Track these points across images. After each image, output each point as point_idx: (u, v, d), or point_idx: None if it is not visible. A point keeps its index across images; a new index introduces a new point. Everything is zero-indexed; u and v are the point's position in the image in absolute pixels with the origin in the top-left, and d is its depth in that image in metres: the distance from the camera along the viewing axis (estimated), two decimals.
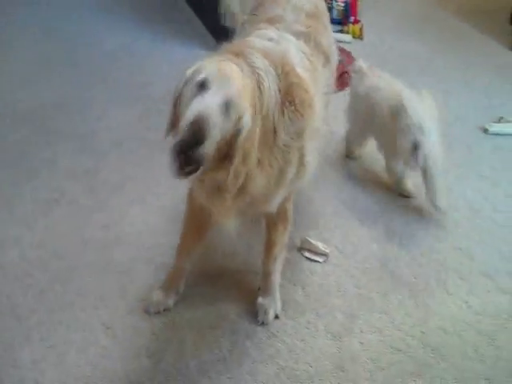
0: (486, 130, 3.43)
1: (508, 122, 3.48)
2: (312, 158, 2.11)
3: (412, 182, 2.94)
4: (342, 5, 4.73)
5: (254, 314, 2.37)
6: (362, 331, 2.32)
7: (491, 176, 3.09)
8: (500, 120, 3.50)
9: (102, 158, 3.21)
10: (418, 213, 2.86)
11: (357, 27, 4.63)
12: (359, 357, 2.23)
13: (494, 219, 2.83)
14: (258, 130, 1.81)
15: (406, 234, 2.75)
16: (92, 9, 4.93)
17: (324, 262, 2.61)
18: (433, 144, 2.72)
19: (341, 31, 4.58)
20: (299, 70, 2.01)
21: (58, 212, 2.84)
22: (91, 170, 3.12)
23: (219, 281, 2.52)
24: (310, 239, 2.66)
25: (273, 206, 2.11)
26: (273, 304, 2.38)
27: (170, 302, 2.41)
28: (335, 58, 2.67)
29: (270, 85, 1.86)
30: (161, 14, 4.81)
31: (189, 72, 1.83)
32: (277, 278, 2.40)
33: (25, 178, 3.04)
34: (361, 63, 3.21)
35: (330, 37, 2.56)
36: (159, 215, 2.84)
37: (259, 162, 1.87)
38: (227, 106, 1.71)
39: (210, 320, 2.36)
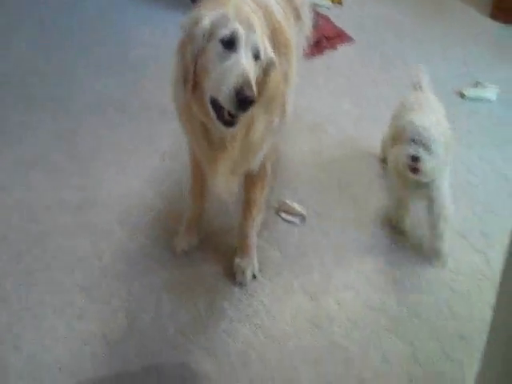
0: (462, 95, 3.44)
1: (484, 87, 3.49)
2: (290, 107, 2.14)
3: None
4: None
5: (232, 274, 2.38)
6: (338, 290, 2.35)
7: (466, 139, 3.11)
8: (476, 85, 3.51)
9: (80, 122, 3.18)
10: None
11: None
12: (335, 315, 2.26)
13: (468, 180, 2.86)
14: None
15: (384, 199, 2.76)
16: None
17: (301, 222, 2.62)
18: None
19: None
20: (278, 17, 2.02)
21: (34, 175, 2.82)
22: (68, 133, 3.09)
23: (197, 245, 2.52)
24: (286, 201, 2.67)
25: (259, 159, 2.13)
26: (250, 264, 2.39)
27: (194, 239, 2.50)
28: (308, 20, 2.68)
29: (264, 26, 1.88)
30: None
31: (205, 24, 1.79)
32: (254, 239, 2.41)
33: (1, 141, 3.00)
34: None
35: None
36: (135, 178, 2.83)
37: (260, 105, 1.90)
38: (257, 56, 1.79)
39: (187, 281, 2.37)
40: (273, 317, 2.25)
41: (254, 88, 1.73)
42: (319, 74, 3.66)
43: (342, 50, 3.94)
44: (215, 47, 1.77)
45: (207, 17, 1.79)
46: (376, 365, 2.10)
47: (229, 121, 1.80)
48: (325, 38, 3.92)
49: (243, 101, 1.70)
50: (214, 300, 2.30)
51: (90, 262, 2.41)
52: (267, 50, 1.85)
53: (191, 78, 1.82)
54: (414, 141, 2.27)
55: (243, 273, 2.37)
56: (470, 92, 3.45)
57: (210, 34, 1.78)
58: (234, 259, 2.40)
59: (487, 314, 2.07)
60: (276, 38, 1.95)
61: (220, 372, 2.07)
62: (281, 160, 2.83)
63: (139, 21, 4.16)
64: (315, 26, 3.87)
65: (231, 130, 1.85)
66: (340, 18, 4.25)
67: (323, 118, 3.27)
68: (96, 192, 2.73)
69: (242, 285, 2.36)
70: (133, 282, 2.35)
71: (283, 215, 2.64)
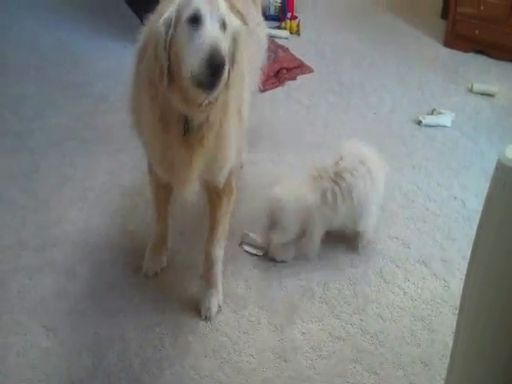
0: (419, 122, 3.53)
1: (440, 113, 3.59)
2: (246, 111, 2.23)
3: None
4: (279, 1, 4.77)
5: (197, 307, 2.39)
6: (303, 321, 2.36)
7: (424, 166, 3.19)
8: (433, 112, 3.60)
9: (39, 158, 3.17)
10: None
11: (294, 23, 4.67)
12: (301, 346, 2.27)
13: (427, 208, 2.92)
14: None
15: None
16: (22, 4, 4.82)
17: (263, 255, 2.64)
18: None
19: (278, 27, 4.63)
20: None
21: None
22: (28, 170, 3.07)
23: (161, 276, 2.53)
24: (249, 233, 2.68)
25: (226, 169, 2.20)
26: (216, 296, 2.39)
27: (163, 258, 2.56)
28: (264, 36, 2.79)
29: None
30: (95, 10, 4.76)
31: (167, 16, 1.83)
32: (219, 268, 2.42)
33: None
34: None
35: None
36: (97, 215, 2.82)
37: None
38: (223, 26, 1.82)
39: (152, 317, 2.36)
40: (239, 350, 2.25)
41: (224, 53, 1.76)
42: (280, 105, 3.72)
43: (302, 79, 4.01)
44: (183, 30, 1.81)
45: (170, 9, 1.85)
46: None
47: (208, 83, 1.79)
48: (285, 69, 3.99)
49: (215, 67, 1.74)
50: (179, 335, 2.30)
51: (53, 301, 2.40)
52: (232, 19, 1.90)
53: (165, 71, 1.84)
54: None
55: (209, 305, 2.37)
56: (426, 119, 3.53)
57: (177, 22, 1.83)
58: (200, 291, 2.41)
59: (449, 338, 2.14)
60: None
61: None
62: (241, 191, 2.84)
63: (96, 53, 4.18)
64: (275, 58, 3.97)
65: (212, 93, 1.83)
66: (299, 49, 4.33)
67: (284, 147, 3.31)
68: (57, 230, 2.72)
69: (207, 319, 2.36)
70: (98, 320, 2.34)
71: (246, 248, 2.66)
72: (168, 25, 1.82)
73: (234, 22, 1.91)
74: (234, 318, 2.38)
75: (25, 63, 4.03)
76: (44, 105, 3.59)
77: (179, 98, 1.89)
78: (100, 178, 3.04)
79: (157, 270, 2.54)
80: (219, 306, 2.40)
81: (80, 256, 2.59)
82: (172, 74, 1.86)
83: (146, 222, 2.71)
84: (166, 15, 1.84)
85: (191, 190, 2.11)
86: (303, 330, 2.33)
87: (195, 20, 1.79)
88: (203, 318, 2.36)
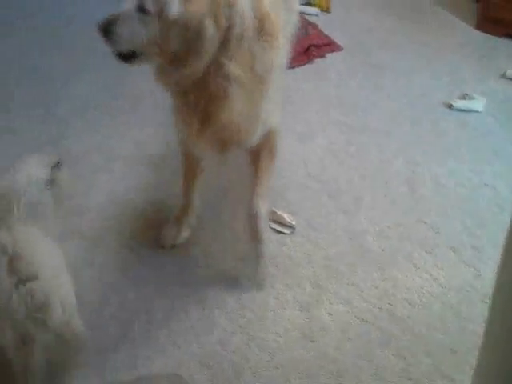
0: (450, 106, 3.46)
1: (472, 98, 3.52)
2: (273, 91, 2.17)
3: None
4: None
5: (224, 282, 2.38)
6: (330, 302, 2.34)
7: (455, 151, 3.14)
8: (464, 97, 3.54)
9: (65, 126, 3.13)
10: (386, 186, 2.88)
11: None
12: (328, 327, 2.25)
13: (458, 193, 2.87)
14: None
15: (374, 206, 2.77)
16: None
17: (291, 233, 2.61)
18: None
19: (308, 4, 4.54)
20: (265, 5, 2.02)
21: None
22: (54, 139, 3.04)
23: (188, 249, 2.52)
24: (276, 210, 2.65)
25: (251, 137, 2.18)
26: (262, 255, 2.36)
27: (184, 234, 2.51)
28: (296, 9, 2.67)
29: (245, 6, 1.92)
30: None
31: None
32: (263, 219, 2.33)
33: None
34: None
35: None
36: (126, 184, 2.80)
37: (241, 83, 1.97)
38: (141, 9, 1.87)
39: (178, 289, 2.35)
40: (266, 328, 2.24)
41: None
42: (308, 82, 3.66)
43: (331, 57, 3.94)
44: None
45: None
46: (368, 379, 2.10)
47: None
48: (314, 46, 3.92)
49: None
50: (206, 309, 2.29)
51: (80, 269, 2.37)
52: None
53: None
54: None
55: (257, 267, 2.36)
56: (457, 103, 3.47)
57: None
58: (238, 253, 2.46)
59: (478, 327, 2.12)
60: (262, 26, 1.98)
61: (213, 383, 2.06)
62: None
63: None
64: (305, 35, 3.90)
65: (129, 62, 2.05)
66: (328, 26, 4.25)
67: (312, 127, 3.27)
68: (84, 199, 2.70)
69: (260, 282, 2.37)
70: (124, 290, 2.33)
71: (273, 225, 2.62)
72: None
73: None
74: (260, 295, 2.36)
75: (51, 31, 3.97)
76: (71, 73, 3.55)
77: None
78: (127, 148, 3.01)
79: (174, 242, 2.51)
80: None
81: (107, 225, 2.58)
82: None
83: (173, 195, 2.68)
84: None
85: (206, 148, 2.16)
86: (330, 311, 2.31)
87: None
88: (255, 284, 2.37)
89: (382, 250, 2.56)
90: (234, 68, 1.94)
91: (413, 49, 4.11)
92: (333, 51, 3.99)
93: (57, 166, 1.98)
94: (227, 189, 2.80)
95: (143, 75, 3.38)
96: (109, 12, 1.99)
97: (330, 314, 2.30)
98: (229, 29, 1.89)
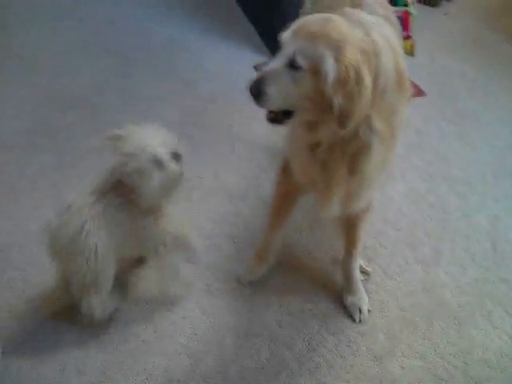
0: None
1: None
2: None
3: None
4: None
5: (296, 323, 2.37)
6: (403, 355, 2.29)
7: None
8: None
9: None
10: (467, 240, 2.82)
11: (408, 43, 4.56)
12: (400, 381, 2.20)
13: None
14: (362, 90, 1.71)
15: (453, 260, 2.71)
16: (142, 3, 4.89)
17: (366, 280, 2.57)
18: None
19: None
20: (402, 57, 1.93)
21: None
22: None
23: (262, 286, 2.52)
24: None
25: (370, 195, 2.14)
26: (364, 299, 2.44)
27: (263, 269, 2.53)
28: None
29: (388, 57, 1.79)
30: (211, 12, 4.76)
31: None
32: (358, 274, 2.49)
33: (69, 164, 3.03)
34: None
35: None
36: (204, 215, 2.84)
37: (382, 137, 1.86)
38: (291, 62, 1.74)
39: (250, 326, 2.35)
40: (335, 375, 2.21)
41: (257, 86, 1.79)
42: None
43: (414, 102, 3.90)
44: None
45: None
46: None
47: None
48: None
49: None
50: (276, 349, 2.28)
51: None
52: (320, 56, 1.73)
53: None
54: None
55: (360, 310, 2.42)
56: None
57: None
58: (344, 298, 2.46)
59: None
60: (400, 79, 1.85)
61: None
62: None
63: (207, 53, 4.20)
64: None
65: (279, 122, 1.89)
66: (411, 70, 4.19)
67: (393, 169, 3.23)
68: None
69: (361, 322, 2.40)
70: (197, 322, 2.35)
71: None
72: None
73: (327, 59, 1.71)
74: (332, 340, 2.33)
75: (139, 58, 4.08)
76: (153, 100, 3.61)
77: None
78: (206, 178, 3.04)
79: (252, 279, 2.52)
80: (369, 310, 2.44)
81: (185, 257, 2.59)
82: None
83: (250, 230, 2.69)
84: None
85: (330, 211, 2.07)
86: (403, 365, 2.26)
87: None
88: (358, 321, 2.41)
89: (460, 307, 2.49)
90: (378, 121, 1.83)
91: (499, 99, 4.02)
92: (416, 96, 3.96)
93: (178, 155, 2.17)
94: (302, 229, 2.79)
95: (222, 108, 3.51)
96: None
97: (402, 367, 2.25)
98: (375, 79, 1.74)
